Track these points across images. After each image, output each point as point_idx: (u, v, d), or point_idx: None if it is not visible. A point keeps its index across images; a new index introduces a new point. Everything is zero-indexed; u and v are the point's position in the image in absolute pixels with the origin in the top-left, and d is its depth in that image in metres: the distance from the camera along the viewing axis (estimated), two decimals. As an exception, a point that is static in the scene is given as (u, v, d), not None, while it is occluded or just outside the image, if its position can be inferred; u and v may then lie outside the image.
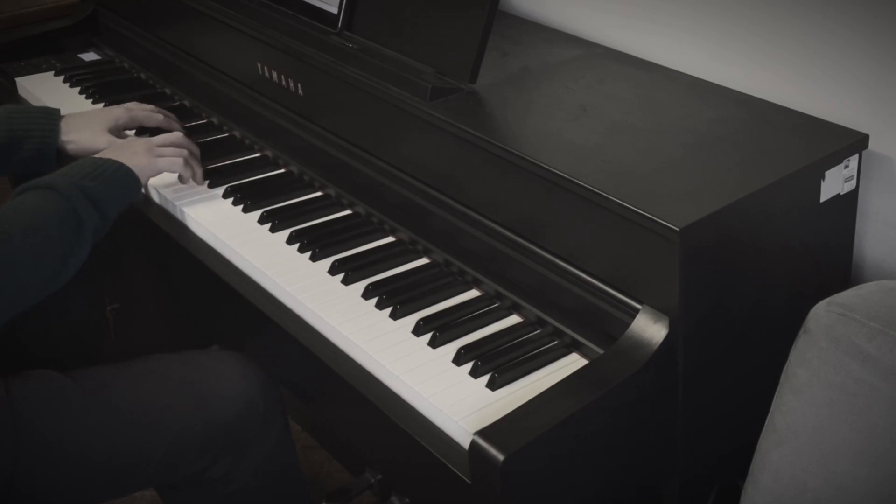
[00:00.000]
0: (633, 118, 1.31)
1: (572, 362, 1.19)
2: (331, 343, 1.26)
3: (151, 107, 1.72)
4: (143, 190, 1.50)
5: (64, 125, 1.58)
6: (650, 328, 1.12)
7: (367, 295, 1.31)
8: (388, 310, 1.28)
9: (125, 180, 1.43)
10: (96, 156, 1.45)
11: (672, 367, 1.13)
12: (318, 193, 1.55)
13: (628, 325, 1.13)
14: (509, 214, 1.28)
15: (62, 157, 1.58)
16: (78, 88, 1.93)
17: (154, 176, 1.51)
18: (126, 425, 1.35)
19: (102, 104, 1.86)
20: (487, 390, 1.14)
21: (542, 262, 1.24)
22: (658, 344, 1.11)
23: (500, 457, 0.99)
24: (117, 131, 1.63)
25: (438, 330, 1.23)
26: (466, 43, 1.35)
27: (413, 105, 1.36)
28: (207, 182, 1.57)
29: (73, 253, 1.31)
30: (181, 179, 1.55)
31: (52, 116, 1.59)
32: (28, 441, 1.29)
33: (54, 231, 1.30)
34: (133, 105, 1.70)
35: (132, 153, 1.47)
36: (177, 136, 1.58)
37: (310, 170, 1.58)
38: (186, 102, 1.85)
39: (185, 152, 1.53)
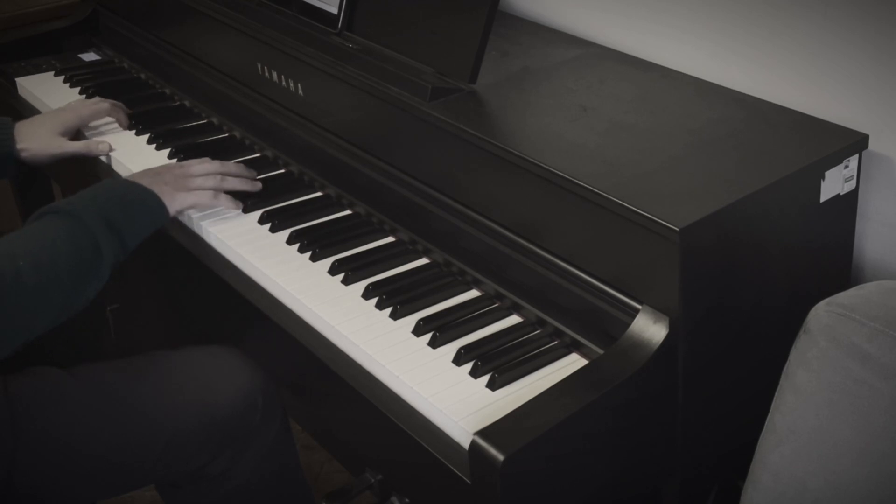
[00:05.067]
0: (633, 118, 1.31)
1: (572, 362, 1.19)
2: (331, 343, 1.26)
3: (96, 100, 1.74)
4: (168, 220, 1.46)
5: (17, 134, 1.61)
6: (650, 328, 1.12)
7: (367, 295, 1.31)
8: (389, 310, 1.28)
9: (153, 211, 1.41)
10: (128, 177, 1.44)
11: (672, 367, 1.13)
12: (318, 193, 1.55)
13: (628, 325, 1.13)
14: (509, 214, 1.28)
15: (17, 163, 1.63)
16: (78, 88, 1.93)
17: (183, 210, 1.47)
18: (125, 422, 1.35)
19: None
20: (487, 390, 1.14)
21: (543, 262, 1.24)
22: (658, 344, 1.11)
23: (500, 457, 0.99)
24: (69, 133, 1.67)
25: (438, 330, 1.23)
26: (466, 43, 1.35)
27: (413, 105, 1.36)
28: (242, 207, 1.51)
29: (90, 283, 1.29)
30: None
31: (4, 127, 1.61)
32: (27, 438, 1.29)
33: (71, 261, 1.26)
34: (77, 104, 1.73)
35: (163, 182, 1.44)
36: (212, 165, 1.52)
37: (310, 170, 1.58)
38: (186, 102, 1.85)
39: (217, 179, 1.49)
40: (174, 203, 1.44)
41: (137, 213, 1.37)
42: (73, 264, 1.26)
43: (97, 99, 1.76)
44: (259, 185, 1.54)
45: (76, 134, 1.71)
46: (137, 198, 1.39)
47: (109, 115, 1.75)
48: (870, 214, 1.32)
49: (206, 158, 1.54)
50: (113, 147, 1.69)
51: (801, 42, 1.33)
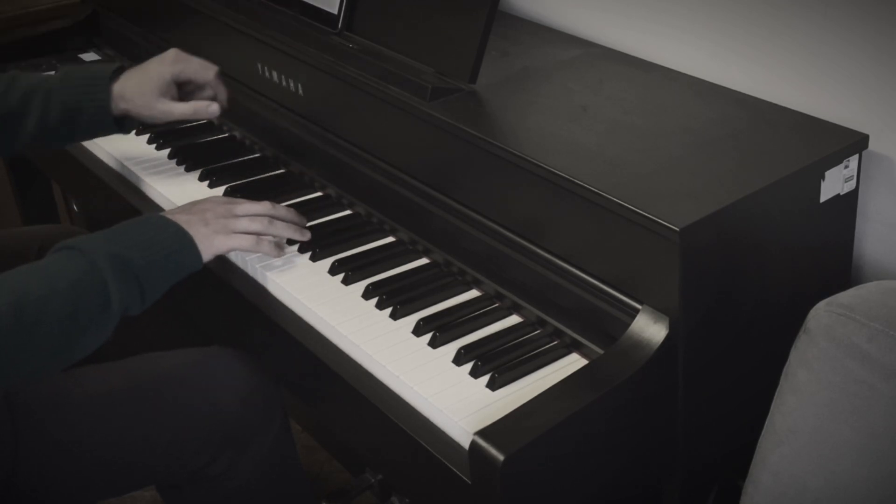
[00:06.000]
0: (633, 118, 1.31)
1: (572, 362, 1.19)
2: (331, 343, 1.26)
3: (201, 62, 1.57)
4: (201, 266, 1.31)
5: (117, 90, 1.50)
6: (650, 328, 1.12)
7: (367, 295, 1.31)
8: (389, 310, 1.28)
9: (182, 257, 1.26)
10: (167, 213, 1.31)
11: (672, 367, 1.13)
12: (318, 193, 1.55)
13: (628, 325, 1.13)
14: (509, 214, 1.28)
15: (121, 118, 1.54)
16: (78, 88, 1.93)
17: (220, 254, 1.32)
18: (125, 423, 1.35)
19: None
20: (487, 390, 1.14)
21: (543, 262, 1.24)
22: (658, 344, 1.11)
23: (500, 457, 0.99)
24: (173, 89, 1.53)
25: (438, 330, 1.23)
26: (466, 43, 1.35)
27: (413, 105, 1.36)
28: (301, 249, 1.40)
29: (88, 333, 1.16)
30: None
31: (100, 85, 1.49)
32: (28, 439, 1.29)
33: (67, 307, 1.13)
34: (182, 56, 1.55)
35: (203, 223, 1.30)
36: (262, 206, 1.38)
37: (310, 170, 1.58)
38: (186, 102, 1.85)
39: (264, 223, 1.35)
40: (210, 248, 1.29)
41: (164, 259, 1.23)
42: (69, 310, 1.13)
43: (202, 62, 1.57)
44: (308, 235, 1.41)
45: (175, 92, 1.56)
46: (167, 240, 1.25)
47: (208, 83, 1.57)
48: (870, 214, 1.32)
49: (258, 202, 1.39)
50: (220, 111, 1.56)
51: (801, 42, 1.33)
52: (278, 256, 1.38)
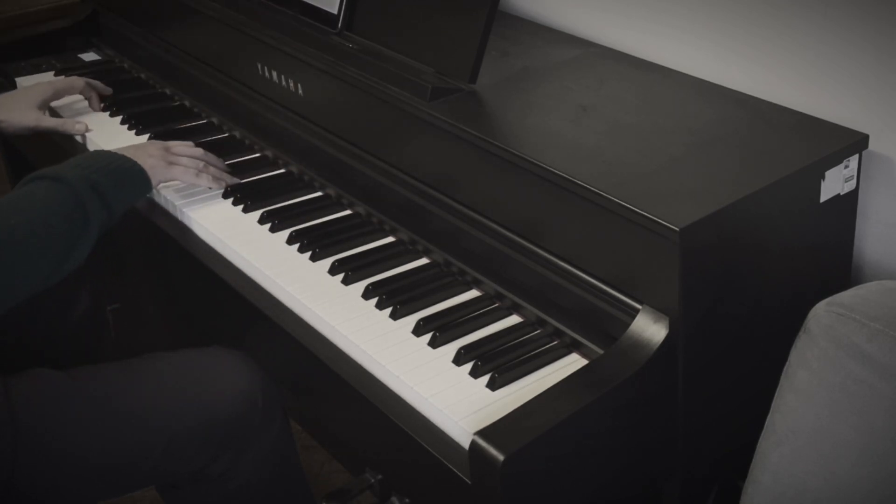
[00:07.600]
0: (633, 118, 1.31)
1: (572, 362, 1.19)
2: (331, 343, 1.26)
3: (73, 78, 1.83)
4: (152, 191, 1.51)
5: None
6: (650, 328, 1.12)
7: (367, 295, 1.31)
8: (389, 310, 1.28)
9: (136, 179, 1.44)
10: (112, 150, 1.48)
11: (672, 367, 1.13)
12: (318, 193, 1.55)
13: (628, 325, 1.13)
14: (509, 214, 1.28)
15: None
16: (78, 88, 1.93)
17: (166, 182, 1.53)
18: (125, 424, 1.35)
19: (103, 104, 1.86)
20: (487, 390, 1.14)
21: (543, 262, 1.24)
22: (658, 344, 1.11)
23: (500, 457, 0.99)
24: (45, 106, 1.75)
25: (438, 330, 1.23)
26: (466, 43, 1.35)
27: (413, 105, 1.36)
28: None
29: (77, 247, 1.31)
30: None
31: None
32: (27, 440, 1.29)
33: (62, 223, 1.30)
34: (55, 79, 1.85)
35: (147, 155, 1.49)
36: (194, 149, 1.59)
37: (310, 170, 1.58)
38: (186, 102, 1.85)
39: (199, 164, 1.54)
40: (157, 174, 1.49)
41: (122, 180, 1.41)
42: (64, 226, 1.30)
43: (74, 77, 1.84)
44: (237, 180, 1.58)
45: (51, 111, 1.78)
46: (122, 167, 1.42)
47: (82, 94, 1.82)
48: (870, 214, 1.32)
49: (189, 142, 1.60)
50: (90, 128, 1.74)
51: (801, 42, 1.33)
52: (219, 188, 1.55)
